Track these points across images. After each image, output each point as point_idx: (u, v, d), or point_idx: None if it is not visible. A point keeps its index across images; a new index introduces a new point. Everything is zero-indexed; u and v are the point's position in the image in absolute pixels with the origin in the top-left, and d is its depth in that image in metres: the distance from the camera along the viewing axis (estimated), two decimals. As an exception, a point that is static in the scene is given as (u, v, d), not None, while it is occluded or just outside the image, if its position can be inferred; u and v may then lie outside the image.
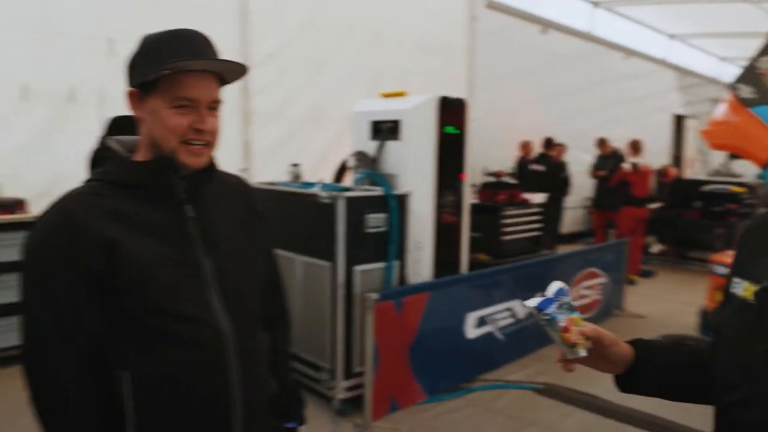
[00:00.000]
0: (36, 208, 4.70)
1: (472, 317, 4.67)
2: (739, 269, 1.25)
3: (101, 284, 1.29)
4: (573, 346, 1.23)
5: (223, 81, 1.40)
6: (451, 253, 4.76)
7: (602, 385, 4.56)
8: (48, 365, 1.30)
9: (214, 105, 1.37)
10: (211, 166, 1.44)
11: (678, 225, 9.83)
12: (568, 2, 11.65)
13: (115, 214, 1.32)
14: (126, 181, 1.37)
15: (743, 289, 1.20)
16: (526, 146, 9.46)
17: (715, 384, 1.21)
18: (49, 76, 5.12)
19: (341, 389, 4.08)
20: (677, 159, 15.43)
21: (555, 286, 1.26)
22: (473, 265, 5.13)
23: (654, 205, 10.02)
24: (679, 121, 15.72)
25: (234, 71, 1.39)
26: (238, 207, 1.55)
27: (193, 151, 1.35)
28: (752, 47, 4.85)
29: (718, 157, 13.96)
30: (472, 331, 4.68)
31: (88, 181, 1.40)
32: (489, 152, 9.41)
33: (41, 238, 1.32)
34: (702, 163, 16.15)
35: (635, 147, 8.84)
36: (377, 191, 4.26)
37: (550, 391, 4.55)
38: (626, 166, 8.78)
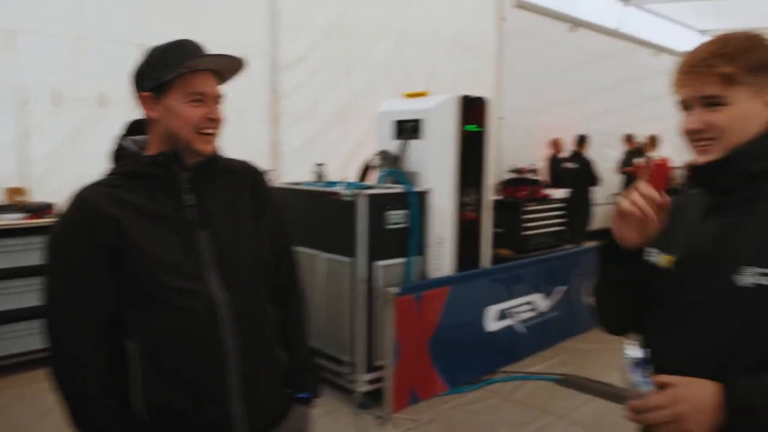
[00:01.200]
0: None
1: (492, 310, 4.78)
2: (658, 241, 1.42)
3: (112, 259, 1.48)
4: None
5: (221, 79, 1.63)
6: (472, 248, 4.88)
7: (617, 375, 4.65)
8: (66, 337, 1.50)
9: (218, 99, 1.59)
10: (214, 157, 1.63)
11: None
12: (598, 0, 11.60)
13: (121, 200, 1.51)
14: (135, 172, 1.56)
15: (664, 259, 1.42)
16: (556, 144, 9.49)
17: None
18: (80, 82, 5.31)
19: (362, 382, 4.21)
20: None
21: (639, 349, 1.33)
22: (496, 259, 5.24)
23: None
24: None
25: (233, 68, 1.62)
26: (244, 190, 1.70)
27: (206, 139, 1.56)
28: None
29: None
30: (493, 324, 4.80)
31: (106, 175, 1.61)
32: (519, 150, 9.47)
33: (63, 220, 1.54)
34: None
35: (653, 142, 8.83)
36: (398, 188, 4.40)
37: (568, 382, 4.65)
38: (638, 160, 8.80)
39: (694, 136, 1.34)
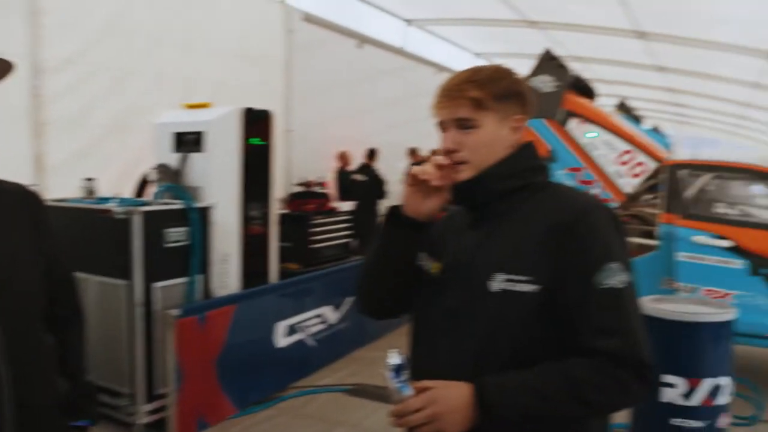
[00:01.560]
0: None
1: (281, 326, 4.72)
2: (430, 248, 1.54)
3: None
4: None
5: None
6: (259, 264, 4.79)
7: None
8: None
9: None
10: None
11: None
12: (383, 19, 12.15)
13: None
14: None
15: (433, 267, 1.51)
16: (343, 157, 9.69)
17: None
18: None
19: (143, 414, 3.91)
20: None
21: (398, 353, 1.36)
22: (284, 274, 5.19)
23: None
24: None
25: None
26: (18, 212, 1.61)
27: None
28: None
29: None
30: (282, 340, 4.74)
31: None
32: (309, 163, 9.52)
33: None
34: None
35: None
36: (178, 204, 4.17)
37: (359, 391, 4.73)
38: None
39: (450, 156, 1.43)
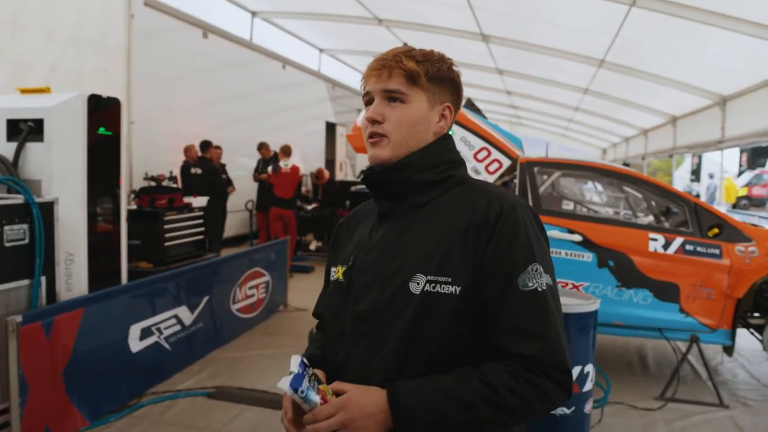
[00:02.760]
0: None
1: (135, 329, 4.43)
2: (333, 260, 1.53)
3: None
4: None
5: None
6: (108, 264, 4.47)
7: (269, 381, 4.74)
8: None
9: None
10: None
11: (332, 222, 10.52)
12: (229, 9, 11.82)
13: None
14: None
15: (336, 272, 1.48)
16: (190, 150, 9.29)
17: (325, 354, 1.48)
18: None
19: (-20, 432, 3.51)
20: (330, 163, 16.70)
21: (296, 360, 1.27)
22: (134, 274, 4.88)
23: (311, 206, 10.79)
24: (331, 128, 16.90)
25: None
26: None
27: None
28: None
29: (363, 160, 15.66)
30: (136, 344, 4.44)
31: None
32: (152, 156, 9.05)
33: None
34: (351, 166, 17.79)
35: (285, 151, 9.41)
36: (16, 199, 3.76)
37: (220, 394, 4.56)
38: (269, 169, 9.32)
39: (371, 128, 1.38)
